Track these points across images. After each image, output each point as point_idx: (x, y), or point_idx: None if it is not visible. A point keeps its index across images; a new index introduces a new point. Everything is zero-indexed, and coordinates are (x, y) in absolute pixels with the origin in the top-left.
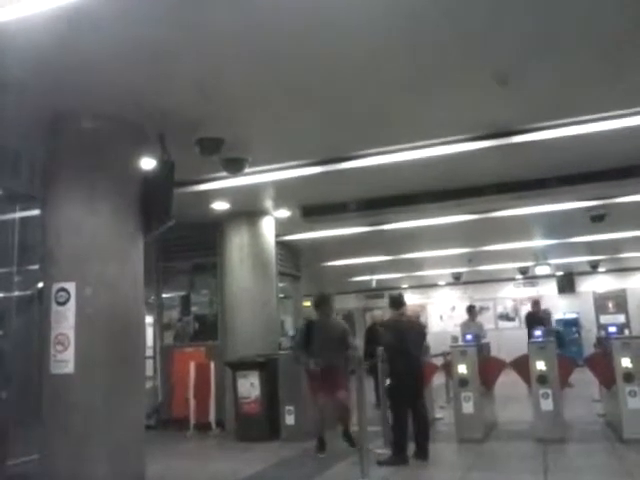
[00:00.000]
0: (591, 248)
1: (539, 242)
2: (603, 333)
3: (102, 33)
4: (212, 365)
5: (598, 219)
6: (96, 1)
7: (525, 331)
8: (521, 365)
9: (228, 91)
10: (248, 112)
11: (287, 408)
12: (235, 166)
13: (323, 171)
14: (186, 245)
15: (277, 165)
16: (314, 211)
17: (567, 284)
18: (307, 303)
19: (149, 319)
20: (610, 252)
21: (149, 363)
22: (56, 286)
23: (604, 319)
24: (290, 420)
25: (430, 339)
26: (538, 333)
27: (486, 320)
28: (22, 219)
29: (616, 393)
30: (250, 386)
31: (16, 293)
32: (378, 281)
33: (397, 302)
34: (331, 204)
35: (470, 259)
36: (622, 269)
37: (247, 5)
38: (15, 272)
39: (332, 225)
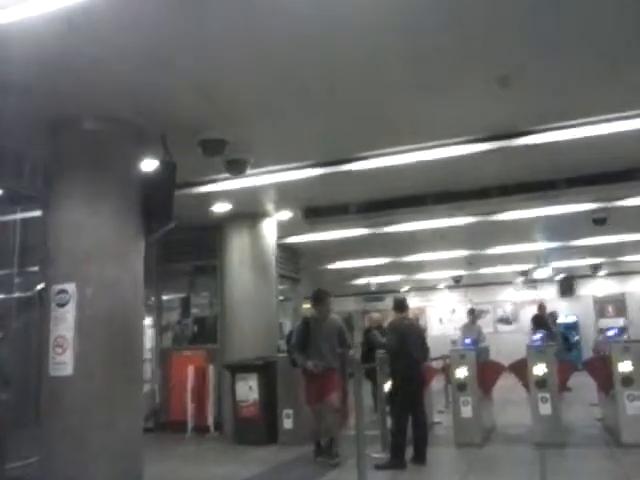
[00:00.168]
0: (592, 251)
1: (540, 245)
2: (601, 337)
3: (103, 35)
4: (211, 368)
5: (600, 222)
6: (97, 3)
7: (525, 335)
8: (520, 369)
9: (230, 92)
10: (251, 113)
11: (285, 412)
12: (237, 167)
13: (325, 173)
14: (186, 247)
15: (279, 167)
16: (316, 213)
17: (567, 287)
18: (307, 306)
19: (148, 321)
20: (611, 255)
21: (148, 365)
22: (56, 287)
23: (603, 323)
24: (288, 424)
25: (430, 342)
26: (537, 337)
27: (485, 324)
28: (23, 220)
29: (614, 397)
30: (248, 389)
31: (16, 295)
32: (378, 284)
33: (401, 305)
34: (333, 206)
35: (470, 261)
36: (622, 273)
37: (249, 7)
38: (15, 274)
39: (333, 227)
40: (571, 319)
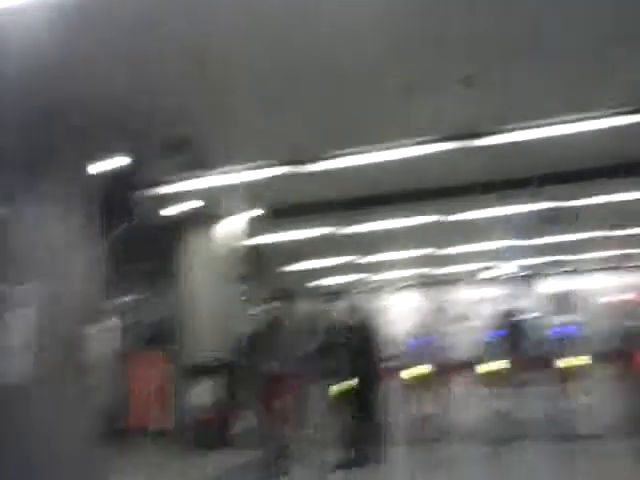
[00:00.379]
0: (550, 249)
1: (500, 243)
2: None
3: (64, 32)
4: (168, 370)
5: (558, 221)
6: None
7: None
8: (477, 366)
9: (195, 92)
10: (215, 113)
11: (244, 414)
12: (199, 167)
13: (288, 173)
14: (145, 248)
15: (240, 166)
16: (280, 212)
17: (527, 285)
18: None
19: (104, 323)
20: (567, 253)
21: (103, 369)
22: (9, 290)
23: (556, 320)
24: (245, 426)
25: (390, 342)
26: (494, 334)
27: (442, 322)
28: None
29: (568, 390)
30: (206, 391)
31: None
32: (339, 284)
33: (356, 308)
34: (295, 206)
35: (432, 260)
36: (577, 270)
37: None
38: None
39: (295, 227)
40: (528, 316)
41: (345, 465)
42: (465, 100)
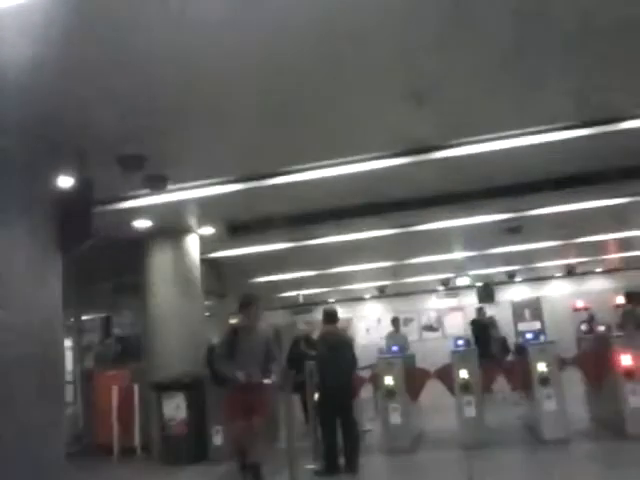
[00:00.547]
0: (508, 259)
1: (459, 254)
2: (521, 339)
3: (18, 46)
4: (136, 387)
5: (515, 231)
6: (11, 14)
7: (448, 341)
8: (445, 374)
9: (150, 108)
10: (170, 129)
11: (215, 428)
12: (157, 183)
13: (247, 188)
14: (107, 264)
15: (200, 182)
16: (239, 228)
17: (487, 294)
18: (234, 321)
19: (68, 342)
20: (525, 262)
21: (69, 388)
22: None
23: (521, 326)
24: (217, 440)
25: (357, 352)
26: (460, 342)
27: (411, 331)
28: None
29: (533, 396)
30: (176, 407)
31: None
32: (305, 296)
33: (330, 317)
34: (256, 220)
35: (394, 272)
36: (537, 278)
37: (170, 25)
38: None
39: (257, 242)
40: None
41: (320, 473)
42: (418, 115)
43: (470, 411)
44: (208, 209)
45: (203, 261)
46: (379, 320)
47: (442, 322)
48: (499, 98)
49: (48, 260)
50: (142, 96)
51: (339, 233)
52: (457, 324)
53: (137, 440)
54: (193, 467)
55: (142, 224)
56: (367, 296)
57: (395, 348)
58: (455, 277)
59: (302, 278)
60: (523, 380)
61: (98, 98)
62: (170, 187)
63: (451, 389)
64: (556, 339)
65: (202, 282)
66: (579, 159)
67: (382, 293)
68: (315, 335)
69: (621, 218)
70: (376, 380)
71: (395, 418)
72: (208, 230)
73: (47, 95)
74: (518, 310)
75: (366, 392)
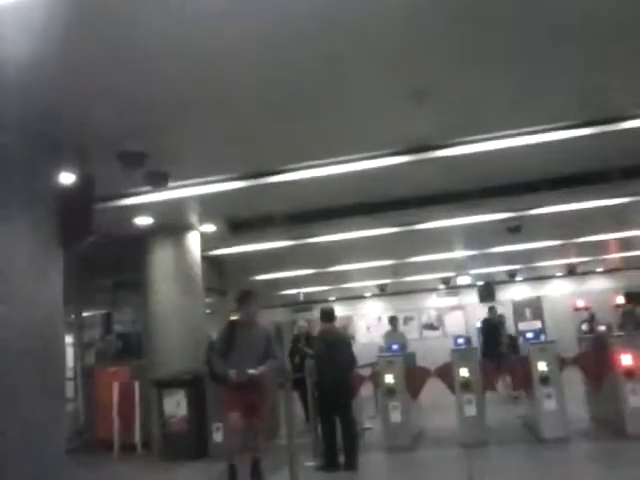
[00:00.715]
0: (509, 258)
1: (460, 253)
2: (521, 339)
3: (18, 43)
4: (136, 384)
5: (515, 230)
6: (10, 10)
7: (449, 340)
8: (445, 373)
9: (151, 105)
10: (171, 125)
11: (215, 425)
12: (158, 180)
13: (248, 185)
14: (108, 261)
15: (201, 179)
16: (240, 225)
17: (487, 293)
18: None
19: (69, 338)
20: (526, 262)
21: (70, 384)
22: None
23: (522, 326)
24: (218, 437)
25: (358, 350)
26: (461, 341)
27: (411, 330)
28: None
29: (533, 395)
30: (177, 404)
31: None
32: (305, 294)
33: (328, 315)
34: (257, 218)
35: (394, 270)
36: (537, 278)
37: (170, 21)
38: None
39: (258, 239)
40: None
41: (321, 468)
42: (417, 114)
43: (470, 410)
44: (209, 206)
45: (204, 258)
46: (379, 318)
47: (442, 321)
48: (499, 97)
49: (49, 256)
50: (143, 92)
51: (340, 231)
52: (457, 323)
53: (137, 437)
54: (193, 464)
55: (143, 221)
56: (368, 294)
57: (395, 347)
58: (456, 276)
59: (303, 276)
60: (524, 379)
61: (99, 94)
62: (171, 184)
63: (451, 387)
64: (557, 339)
65: (203, 279)
66: (579, 159)
67: (383, 291)
68: (315, 333)
69: (621, 218)
70: (376, 378)
71: (395, 416)
72: (209, 227)
73: (48, 91)
74: (519, 309)
75: (366, 390)
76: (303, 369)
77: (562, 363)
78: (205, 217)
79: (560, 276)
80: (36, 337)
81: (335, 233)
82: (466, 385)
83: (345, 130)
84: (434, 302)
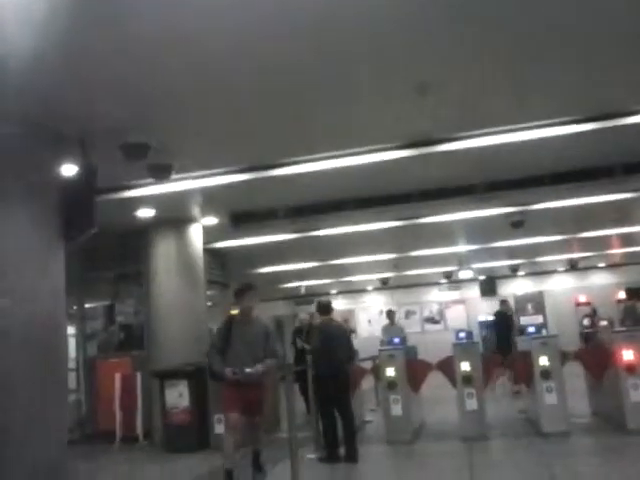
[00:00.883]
0: (511, 252)
1: (462, 247)
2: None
3: (19, 34)
4: (138, 375)
5: (518, 225)
6: (12, 2)
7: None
8: (447, 367)
9: (154, 96)
10: (174, 117)
11: (217, 417)
12: (161, 172)
13: (250, 178)
14: (110, 253)
15: (204, 172)
16: (242, 218)
17: (489, 287)
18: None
19: (72, 330)
20: (528, 256)
21: (72, 375)
22: None
23: (524, 320)
24: (220, 429)
25: (359, 343)
26: (462, 335)
27: (413, 323)
28: None
29: (534, 390)
30: (179, 396)
31: None
32: (307, 287)
33: (325, 308)
34: (259, 211)
35: (395, 264)
36: (539, 272)
37: (173, 12)
38: None
39: (260, 232)
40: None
41: (323, 460)
42: (420, 108)
43: (471, 403)
44: (211, 199)
45: (206, 251)
46: (381, 312)
47: (444, 315)
48: (502, 92)
49: (52, 248)
50: (146, 84)
51: (342, 225)
52: (459, 317)
53: (139, 428)
54: (195, 455)
55: (146, 213)
56: (370, 288)
57: (397, 340)
58: (458, 270)
59: (305, 269)
60: (525, 373)
61: (102, 86)
62: (174, 176)
63: (453, 381)
64: (558, 333)
65: (205, 272)
66: (582, 154)
67: (385, 285)
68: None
69: (624, 213)
70: (377, 371)
71: (396, 409)
72: (211, 220)
73: (51, 83)
74: (521, 304)
75: (367, 383)
76: (303, 362)
77: (563, 358)
78: (207, 209)
79: (562, 271)
80: (39, 328)
81: (337, 226)
82: (467, 379)
83: (348, 123)
84: (436, 296)
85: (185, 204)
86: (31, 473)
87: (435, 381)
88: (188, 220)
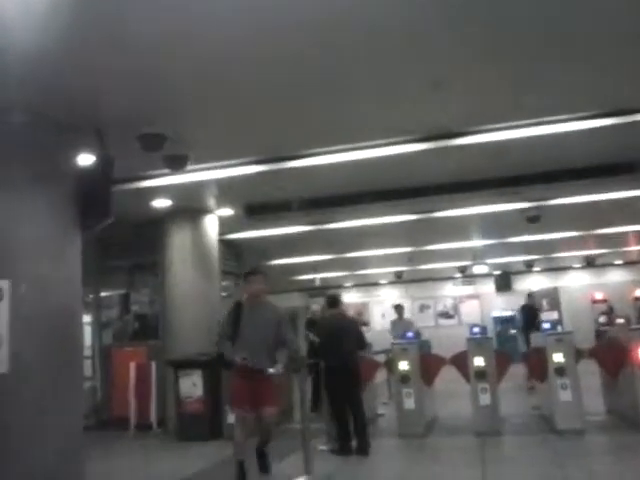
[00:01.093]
0: (526, 248)
1: (477, 242)
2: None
3: (34, 23)
4: (153, 364)
5: (534, 220)
6: None
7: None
8: (460, 361)
9: (170, 87)
10: (190, 109)
11: (228, 407)
12: (177, 163)
13: (266, 170)
14: (126, 243)
15: (220, 163)
16: (257, 210)
17: (504, 283)
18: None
19: (87, 318)
20: (544, 252)
21: (87, 363)
22: None
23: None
24: (232, 419)
25: (372, 337)
26: (476, 330)
27: (427, 318)
28: None
29: (549, 386)
30: (192, 385)
31: None
32: (321, 280)
33: (332, 301)
34: (274, 203)
35: (410, 258)
36: (555, 269)
37: (187, 6)
38: None
39: (275, 224)
40: (508, 313)
41: (335, 452)
42: (435, 102)
43: (485, 399)
44: (227, 190)
45: (221, 242)
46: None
47: (458, 309)
48: (520, 85)
49: (68, 237)
50: (163, 75)
51: (357, 218)
52: (473, 312)
53: (153, 416)
54: (208, 444)
55: (161, 203)
56: (384, 281)
57: (410, 334)
58: (472, 265)
59: (319, 262)
60: (540, 369)
61: (119, 76)
62: (189, 167)
63: (466, 376)
64: (573, 330)
65: (219, 263)
66: (601, 149)
67: (399, 279)
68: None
69: None
70: (390, 365)
71: (409, 403)
72: (227, 211)
73: (69, 73)
74: (536, 300)
75: (381, 376)
76: (315, 354)
77: (578, 355)
78: (223, 200)
79: (578, 267)
80: (55, 316)
81: (352, 219)
82: (481, 374)
83: (364, 116)
84: (450, 290)
85: (201, 195)
86: (49, 456)
87: (448, 375)
88: (204, 211)
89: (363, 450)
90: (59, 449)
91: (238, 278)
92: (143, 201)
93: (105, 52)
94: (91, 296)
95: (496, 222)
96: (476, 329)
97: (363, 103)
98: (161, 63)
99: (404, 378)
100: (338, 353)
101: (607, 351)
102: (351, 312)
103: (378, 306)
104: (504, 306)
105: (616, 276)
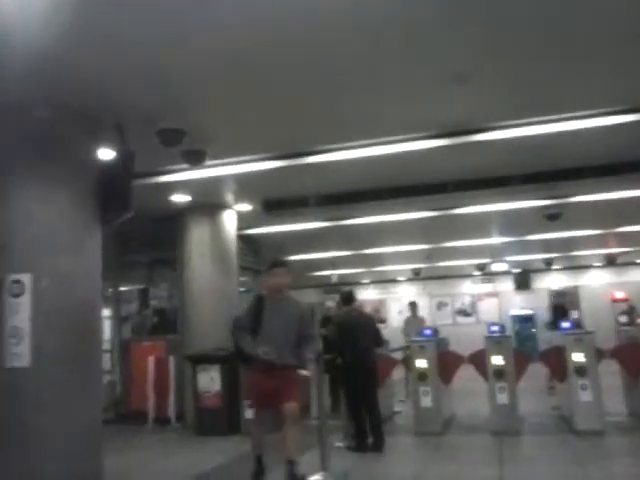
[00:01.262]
0: (546, 246)
1: (497, 239)
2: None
3: (56, 19)
4: (171, 359)
5: (554, 218)
6: None
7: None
8: (478, 360)
9: (189, 83)
10: (209, 104)
11: (247, 402)
12: (196, 158)
13: (284, 165)
14: (145, 237)
15: (238, 158)
16: (275, 205)
17: (523, 281)
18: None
19: (107, 312)
20: (564, 250)
21: (106, 356)
22: (10, 277)
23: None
24: (250, 414)
25: (389, 333)
26: (494, 328)
27: (444, 315)
28: None
29: (569, 387)
30: (210, 380)
31: None
32: (339, 276)
33: (346, 298)
34: (292, 198)
35: (428, 255)
36: (575, 267)
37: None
38: None
39: (293, 220)
40: (527, 312)
41: (352, 448)
42: (456, 97)
43: (503, 398)
44: (245, 185)
45: (239, 237)
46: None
47: (476, 307)
48: (541, 81)
49: (88, 230)
50: (182, 70)
51: (375, 214)
52: (491, 310)
53: (172, 410)
54: (226, 439)
55: (180, 198)
56: (401, 278)
57: (428, 332)
58: (491, 262)
59: (337, 258)
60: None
61: (139, 72)
62: (208, 162)
63: (484, 375)
64: (594, 329)
65: (238, 258)
66: (624, 146)
67: (417, 276)
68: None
69: None
70: (408, 362)
71: (426, 401)
72: (245, 206)
73: (88, 68)
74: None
75: (398, 374)
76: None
77: (599, 355)
78: (241, 196)
79: (599, 266)
80: (75, 310)
81: (370, 215)
82: (499, 373)
83: (382, 112)
84: (468, 288)
85: (219, 190)
86: (68, 448)
87: (466, 374)
88: (222, 206)
89: (378, 447)
90: (79, 442)
91: (256, 273)
92: (162, 196)
93: (124, 48)
94: (110, 290)
95: (515, 219)
96: (494, 327)
97: (381, 99)
98: (183, 59)
99: (421, 376)
100: (354, 350)
101: (628, 351)
102: (368, 309)
103: (395, 303)
104: (523, 304)
105: (637, 275)
